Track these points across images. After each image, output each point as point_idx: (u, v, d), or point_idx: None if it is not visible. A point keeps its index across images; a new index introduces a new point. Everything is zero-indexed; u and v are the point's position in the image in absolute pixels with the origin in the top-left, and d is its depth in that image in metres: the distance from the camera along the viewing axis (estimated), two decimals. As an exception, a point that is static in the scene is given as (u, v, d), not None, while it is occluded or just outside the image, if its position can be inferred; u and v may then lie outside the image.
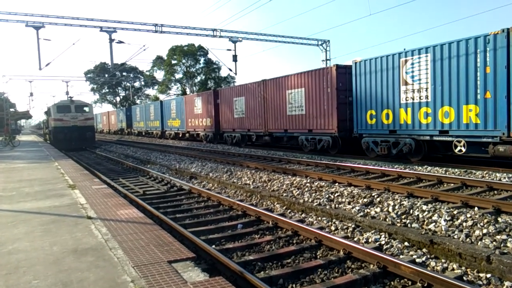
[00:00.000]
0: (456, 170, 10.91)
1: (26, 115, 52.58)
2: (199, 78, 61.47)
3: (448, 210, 6.44)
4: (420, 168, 11.68)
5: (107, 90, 76.96)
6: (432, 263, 5.12)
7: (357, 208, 7.26)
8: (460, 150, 11.83)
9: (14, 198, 8.03)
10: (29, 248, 4.76)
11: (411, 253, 5.48)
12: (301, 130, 18.30)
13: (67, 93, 56.52)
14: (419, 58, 12.66)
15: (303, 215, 7.80)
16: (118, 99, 77.69)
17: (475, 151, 12.16)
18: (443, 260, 5.20)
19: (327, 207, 7.73)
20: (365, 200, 7.70)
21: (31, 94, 58.49)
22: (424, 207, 6.73)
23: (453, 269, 4.95)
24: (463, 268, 4.96)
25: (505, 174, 9.96)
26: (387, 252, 5.55)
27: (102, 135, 57.35)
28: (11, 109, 38.59)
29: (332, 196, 8.30)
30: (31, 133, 79.39)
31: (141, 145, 29.17)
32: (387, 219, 6.52)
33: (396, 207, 7.01)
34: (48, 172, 12.23)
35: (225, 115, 25.27)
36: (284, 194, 9.07)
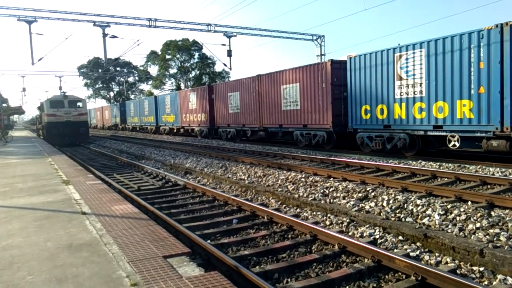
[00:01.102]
0: (450, 164, 10.98)
1: (19, 111, 52.00)
2: (193, 73, 61.21)
3: (442, 204, 6.49)
4: (414, 163, 11.74)
5: (100, 85, 76.37)
6: (426, 257, 5.17)
7: (352, 202, 7.29)
8: (454, 145, 11.91)
9: (8, 194, 7.97)
10: (23, 244, 4.73)
11: (405, 247, 5.52)
12: (296, 125, 18.32)
13: (60, 88, 56.28)
14: (414, 53, 12.69)
15: (298, 210, 7.82)
16: (112, 94, 77.17)
17: (469, 145, 12.24)
18: (437, 254, 5.25)
19: (322, 202, 7.75)
20: (360, 194, 7.73)
21: (24, 89, 58.25)
22: (418, 202, 6.77)
23: (446, 263, 5.00)
24: (456, 261, 5.01)
25: (498, 168, 10.04)
26: (381, 246, 5.59)
27: (96, 131, 57.06)
28: (4, 105, 38.17)
29: (327, 191, 8.32)
30: (24, 128, 78.82)
31: (135, 140, 29.06)
32: (381, 214, 6.56)
33: (391, 201, 7.05)
34: (41, 168, 12.15)
35: (220, 110, 25.22)
36: (279, 189, 9.08)
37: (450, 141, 12.01)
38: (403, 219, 6.29)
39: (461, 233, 5.42)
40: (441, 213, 6.16)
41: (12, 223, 5.71)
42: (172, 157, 16.61)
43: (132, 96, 72.01)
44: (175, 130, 33.20)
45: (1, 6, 22.73)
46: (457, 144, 11.82)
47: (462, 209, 6.19)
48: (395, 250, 5.41)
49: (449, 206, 6.38)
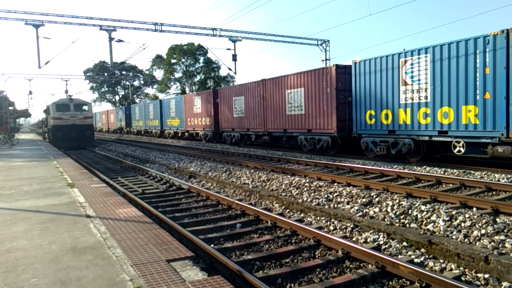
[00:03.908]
0: (455, 170, 10.93)
1: (25, 114, 52.48)
2: (198, 77, 61.44)
3: (446, 211, 6.45)
4: (419, 168, 11.69)
5: (106, 89, 76.86)
6: (431, 263, 5.13)
7: (356, 208, 7.26)
8: (459, 151, 11.84)
9: (13, 197, 8.02)
10: (28, 247, 4.76)
11: (409, 253, 5.49)
12: (300, 130, 18.31)
13: (66, 91, 56.53)
14: (419, 58, 12.67)
15: (302, 215, 7.80)
16: (117, 98, 77.60)
17: (474, 151, 12.17)
18: (441, 260, 5.21)
19: (326, 207, 7.73)
20: (364, 200, 7.70)
21: (30, 93, 58.54)
22: (423, 207, 6.73)
23: (451, 269, 4.96)
24: (461, 268, 4.97)
25: (503, 174, 9.98)
26: (385, 252, 5.56)
27: (101, 134, 57.33)
28: (10, 108, 38.52)
29: (331, 196, 8.30)
30: (30, 131, 79.32)
31: (140, 144, 29.16)
32: (385, 219, 6.53)
33: (395, 207, 7.02)
34: (47, 171, 12.22)
35: (225, 115, 25.27)
36: (283, 194, 9.07)
37: (455, 147, 11.95)
38: (407, 225, 6.26)
39: (466, 240, 5.38)
40: (446, 219, 6.12)
41: (17, 226, 5.75)
42: (176, 161, 16.65)
43: (137, 100, 72.41)
44: (179, 134, 33.29)
45: (9, 10, 22.98)
46: (462, 150, 11.76)
47: (467, 216, 6.16)
48: (399, 256, 5.38)
49: (454, 212, 6.35)
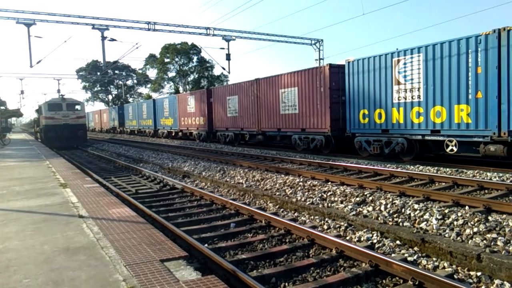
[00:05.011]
0: (447, 169, 11.01)
1: (17, 113, 51.90)
2: (192, 76, 61.25)
3: (439, 209, 6.49)
4: (412, 167, 11.76)
5: (99, 88, 76.36)
6: (424, 262, 5.16)
7: (350, 207, 7.29)
8: (452, 150, 11.93)
9: (5, 197, 7.94)
10: (20, 247, 4.72)
11: (402, 251, 5.52)
12: (294, 129, 18.34)
13: (58, 91, 56.20)
14: (412, 58, 12.75)
15: (296, 214, 7.81)
16: (110, 97, 77.14)
17: (467, 150, 12.28)
18: (434, 259, 5.24)
19: (320, 206, 7.75)
20: (358, 199, 7.73)
21: (22, 92, 58.16)
22: (416, 206, 6.77)
23: (444, 268, 5.00)
24: (454, 266, 5.01)
25: (495, 173, 10.07)
26: (379, 251, 5.58)
27: (94, 134, 56.97)
28: (2, 107, 38.08)
29: (325, 195, 8.32)
30: (22, 131, 78.65)
31: (133, 143, 29.01)
32: (379, 218, 6.56)
33: (388, 206, 7.05)
34: (39, 171, 12.11)
35: (218, 114, 25.24)
36: (277, 193, 9.08)
37: (447, 146, 12.04)
38: (400, 224, 6.29)
39: (459, 238, 5.42)
40: (439, 217, 6.16)
41: (9, 226, 5.69)
42: (170, 161, 16.59)
43: (130, 100, 72.03)
44: (173, 134, 33.19)
45: (0, 8, 22.77)
46: (455, 149, 11.85)
47: (459, 214, 6.20)
48: (393, 255, 5.40)
49: (446, 211, 6.39)
